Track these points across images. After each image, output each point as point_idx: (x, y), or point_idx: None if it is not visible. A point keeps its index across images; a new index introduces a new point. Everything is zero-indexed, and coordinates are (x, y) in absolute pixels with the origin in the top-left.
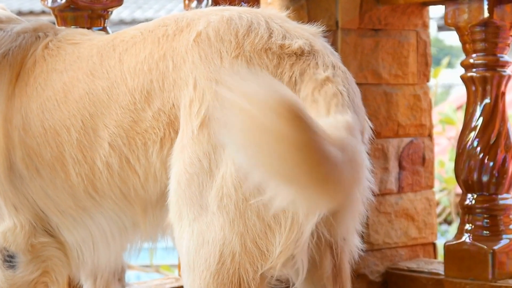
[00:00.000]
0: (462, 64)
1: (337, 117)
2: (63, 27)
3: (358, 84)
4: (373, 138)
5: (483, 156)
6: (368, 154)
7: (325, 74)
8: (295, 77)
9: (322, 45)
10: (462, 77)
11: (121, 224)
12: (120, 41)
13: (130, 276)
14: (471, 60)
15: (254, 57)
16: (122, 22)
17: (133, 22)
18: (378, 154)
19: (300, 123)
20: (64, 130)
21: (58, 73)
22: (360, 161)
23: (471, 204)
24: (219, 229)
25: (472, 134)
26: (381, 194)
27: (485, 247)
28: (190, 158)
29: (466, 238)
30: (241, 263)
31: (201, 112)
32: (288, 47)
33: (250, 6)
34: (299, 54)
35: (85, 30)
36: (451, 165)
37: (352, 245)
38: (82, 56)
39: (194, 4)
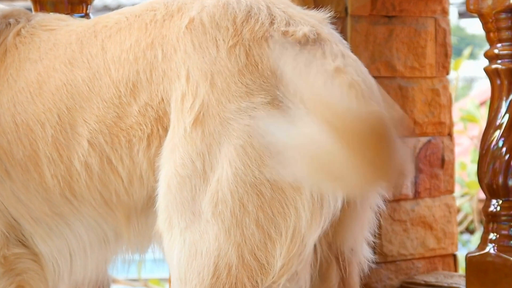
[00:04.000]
0: (486, 55)
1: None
2: (38, 13)
3: None
4: None
5: (509, 157)
6: None
7: (334, 64)
8: (300, 68)
9: (330, 32)
10: (486, 70)
11: (101, 233)
12: (103, 26)
13: None
14: (496, 51)
15: (254, 46)
16: (106, 8)
17: (119, 8)
18: None
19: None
20: (38, 125)
21: (32, 63)
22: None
23: (496, 211)
24: (214, 238)
25: (497, 133)
26: (396, 200)
27: (511, 259)
28: (182, 159)
29: (490, 249)
30: (238, 277)
31: (194, 108)
32: (292, 35)
33: None
34: (303, 43)
35: (62, 15)
36: (474, 167)
37: (361, 257)
38: (59, 43)
39: None
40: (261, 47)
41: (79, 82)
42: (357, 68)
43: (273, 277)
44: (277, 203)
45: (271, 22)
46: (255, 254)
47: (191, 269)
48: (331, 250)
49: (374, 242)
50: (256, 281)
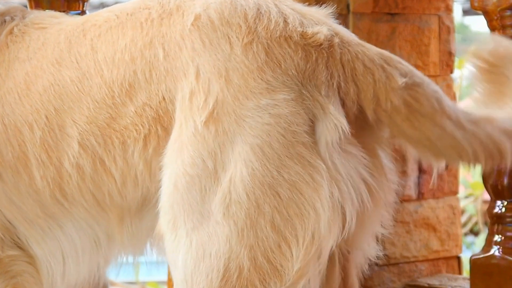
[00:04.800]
0: None
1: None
2: (33, 10)
3: None
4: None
5: None
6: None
7: (403, 80)
8: (339, 82)
9: (342, 29)
10: None
11: (92, 235)
12: (91, 25)
13: None
14: None
15: (273, 45)
16: (103, 5)
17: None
18: (395, 156)
19: None
20: (26, 127)
21: (21, 62)
22: None
23: (501, 212)
24: (224, 240)
25: None
26: (399, 201)
27: None
28: (191, 158)
29: (495, 251)
30: (250, 280)
31: (208, 105)
32: (311, 37)
33: None
34: (328, 49)
35: (57, 13)
36: (478, 168)
37: (366, 256)
38: (48, 42)
39: None
40: (281, 46)
41: (67, 83)
42: (413, 71)
43: (288, 281)
44: (294, 205)
45: (285, 20)
46: (268, 257)
47: (198, 271)
48: (339, 250)
49: (382, 241)
50: (269, 284)
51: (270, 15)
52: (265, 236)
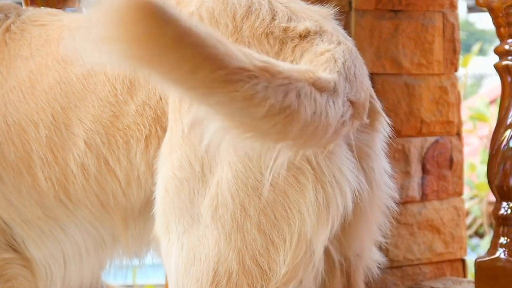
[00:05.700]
0: (496, 51)
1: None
2: (29, 8)
3: (375, 74)
4: (392, 137)
5: None
6: (386, 155)
7: (325, 47)
8: (296, 61)
9: (333, 27)
10: (496, 66)
11: (98, 236)
12: None
13: None
14: (507, 46)
15: (253, 43)
16: None
17: None
18: (398, 156)
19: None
20: (31, 126)
21: (23, 60)
22: None
23: (507, 214)
24: (213, 244)
25: (508, 132)
26: (402, 202)
27: None
28: (179, 161)
29: (500, 253)
30: (239, 284)
31: (192, 107)
32: (292, 30)
33: None
34: (304, 36)
35: (54, 10)
36: (483, 168)
37: (369, 261)
38: (51, 39)
39: None
40: (261, 43)
41: (73, 80)
42: (346, 50)
43: (275, 284)
44: (280, 207)
45: (273, 17)
46: (256, 260)
47: (189, 275)
48: (339, 255)
49: (379, 247)
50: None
51: (259, 12)
52: (252, 239)
